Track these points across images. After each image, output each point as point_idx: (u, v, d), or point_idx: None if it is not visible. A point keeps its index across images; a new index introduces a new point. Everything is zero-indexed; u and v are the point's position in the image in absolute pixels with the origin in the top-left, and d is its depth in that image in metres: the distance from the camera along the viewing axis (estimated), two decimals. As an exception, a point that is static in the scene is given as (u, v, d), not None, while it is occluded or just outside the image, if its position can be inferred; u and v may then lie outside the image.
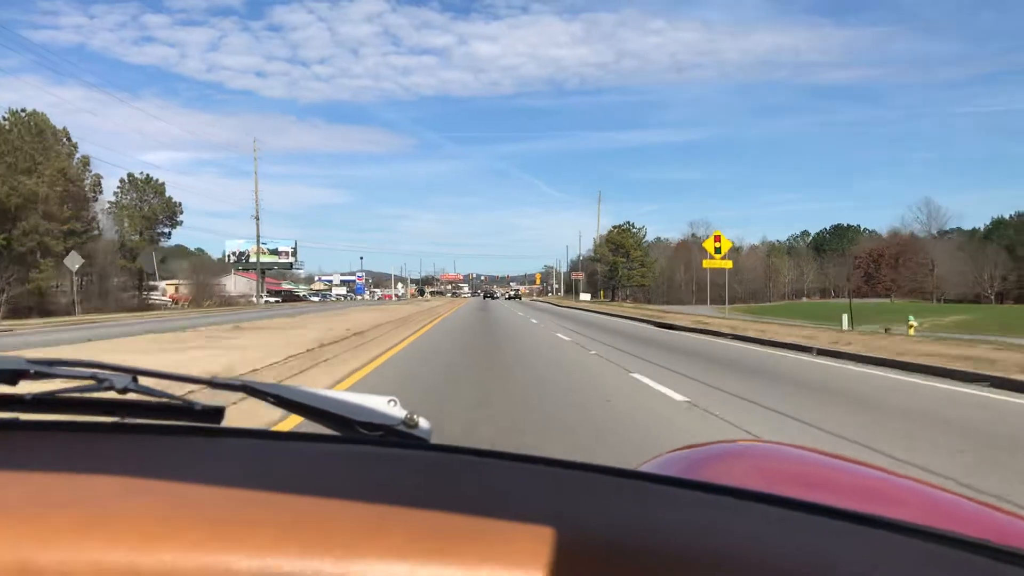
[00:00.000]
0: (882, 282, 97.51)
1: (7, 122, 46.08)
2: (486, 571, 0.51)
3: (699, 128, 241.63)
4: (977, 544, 0.59)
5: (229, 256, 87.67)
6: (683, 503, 0.65)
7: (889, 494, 1.04)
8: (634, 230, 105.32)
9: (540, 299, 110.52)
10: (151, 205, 63.44)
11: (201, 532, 0.53)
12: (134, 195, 63.33)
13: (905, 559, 0.57)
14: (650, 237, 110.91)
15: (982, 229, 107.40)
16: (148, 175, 63.90)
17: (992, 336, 21.51)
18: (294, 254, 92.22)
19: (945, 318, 45.81)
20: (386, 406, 0.80)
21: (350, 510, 0.57)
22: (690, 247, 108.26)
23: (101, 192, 53.53)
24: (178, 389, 0.92)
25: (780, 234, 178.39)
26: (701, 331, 21.08)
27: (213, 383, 0.80)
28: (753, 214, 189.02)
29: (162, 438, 0.77)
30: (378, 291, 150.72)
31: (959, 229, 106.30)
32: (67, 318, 34.00)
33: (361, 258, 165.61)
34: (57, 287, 47.18)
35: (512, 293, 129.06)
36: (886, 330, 22.88)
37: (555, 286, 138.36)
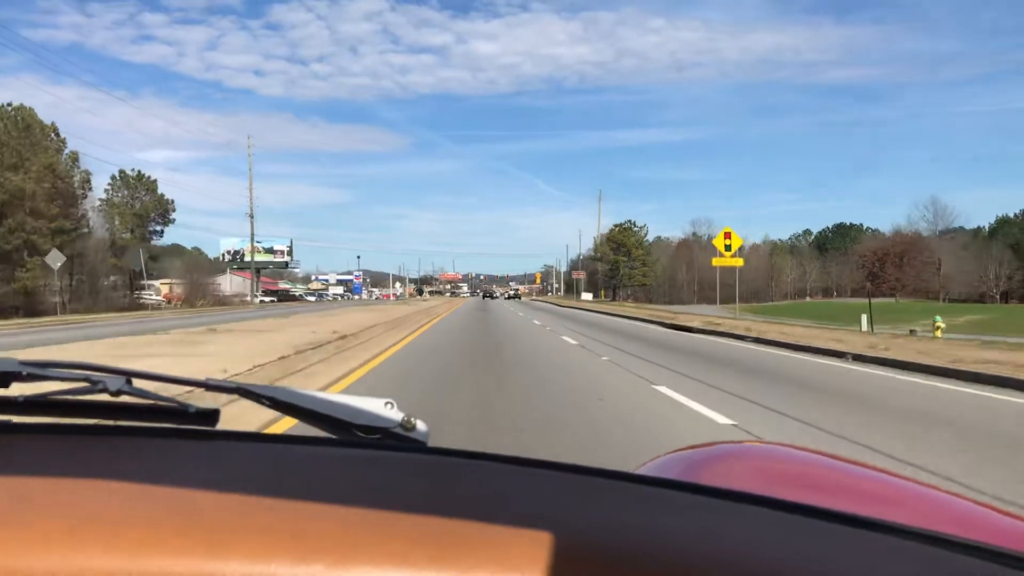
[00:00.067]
0: (887, 281, 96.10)
1: (-7, 117, 44.79)
2: None
3: (699, 127, 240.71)
4: (976, 547, 0.59)
5: (224, 255, 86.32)
6: (681, 506, 0.65)
7: (889, 495, 1.03)
8: (635, 229, 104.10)
9: (540, 299, 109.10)
10: (143, 202, 61.95)
11: (193, 537, 0.52)
12: (125, 192, 61.87)
13: (903, 562, 0.57)
14: (651, 236, 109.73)
15: (986, 228, 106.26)
16: (140, 172, 62.43)
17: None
18: (289, 253, 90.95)
19: (959, 318, 44.36)
20: (383, 408, 0.79)
21: (346, 514, 0.56)
22: (691, 246, 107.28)
23: (91, 189, 52.11)
24: (173, 391, 0.88)
25: (782, 233, 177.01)
26: (717, 333, 19.69)
27: (207, 385, 0.80)
28: (754, 213, 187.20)
29: (156, 441, 0.77)
30: (376, 291, 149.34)
31: (961, 229, 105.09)
32: (45, 319, 32.70)
33: (358, 257, 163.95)
34: (45, 286, 45.89)
35: (511, 293, 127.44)
36: (912, 332, 21.46)
37: (555, 286, 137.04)
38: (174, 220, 64.18)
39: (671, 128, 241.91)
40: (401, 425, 0.78)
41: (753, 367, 11.51)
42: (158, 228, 64.00)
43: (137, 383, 0.77)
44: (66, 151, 49.61)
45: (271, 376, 8.85)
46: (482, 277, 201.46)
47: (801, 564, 0.55)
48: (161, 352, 11.57)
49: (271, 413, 1.10)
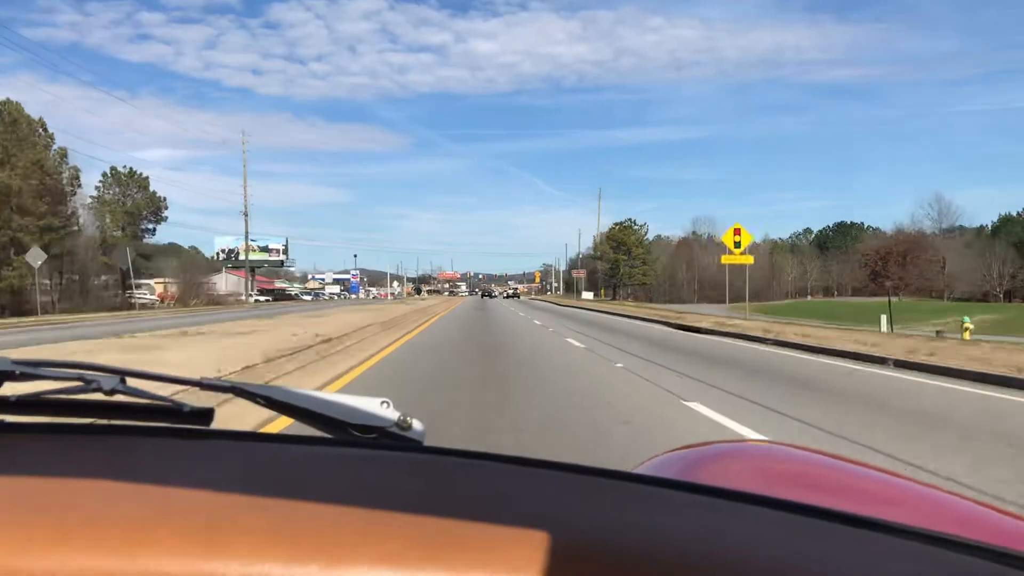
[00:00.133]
0: (891, 280, 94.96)
1: (-23, 111, 43.48)
2: None
3: (699, 126, 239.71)
4: (976, 546, 0.59)
5: (219, 254, 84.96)
6: (679, 506, 0.64)
7: (889, 495, 1.03)
8: (636, 227, 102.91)
9: (539, 298, 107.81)
10: (135, 200, 60.65)
11: (187, 537, 0.52)
12: (117, 190, 60.58)
13: (904, 562, 0.56)
14: (650, 235, 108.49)
15: (989, 226, 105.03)
16: (131, 169, 61.19)
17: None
18: (285, 252, 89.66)
19: (974, 319, 43.11)
20: (379, 408, 0.78)
21: (341, 514, 0.55)
22: (691, 245, 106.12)
23: (80, 186, 50.84)
24: (168, 391, 0.88)
25: (782, 232, 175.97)
26: (730, 334, 18.50)
27: (202, 384, 0.80)
28: (754, 212, 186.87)
29: (150, 440, 0.76)
30: (373, 290, 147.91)
31: (963, 228, 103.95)
32: (24, 319, 31.41)
33: (355, 256, 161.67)
34: (33, 285, 44.61)
35: (510, 292, 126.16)
36: (938, 333, 20.21)
37: (554, 284, 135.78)
38: (167, 218, 63.07)
39: (670, 127, 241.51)
40: (397, 424, 0.77)
41: (793, 376, 10.19)
42: (150, 226, 62.86)
43: (131, 382, 0.76)
44: (54, 147, 48.33)
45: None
46: (481, 276, 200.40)
47: (801, 564, 0.54)
48: (105, 361, 10.06)
49: (267, 413, 1.03)
